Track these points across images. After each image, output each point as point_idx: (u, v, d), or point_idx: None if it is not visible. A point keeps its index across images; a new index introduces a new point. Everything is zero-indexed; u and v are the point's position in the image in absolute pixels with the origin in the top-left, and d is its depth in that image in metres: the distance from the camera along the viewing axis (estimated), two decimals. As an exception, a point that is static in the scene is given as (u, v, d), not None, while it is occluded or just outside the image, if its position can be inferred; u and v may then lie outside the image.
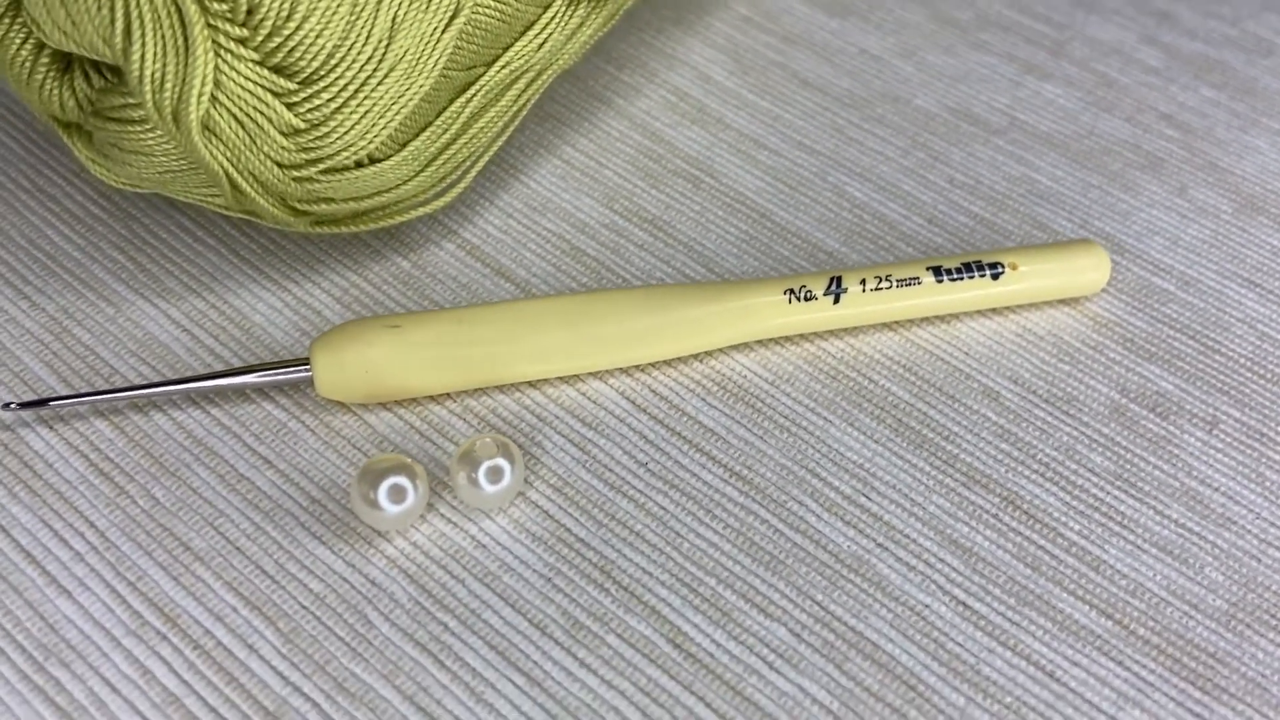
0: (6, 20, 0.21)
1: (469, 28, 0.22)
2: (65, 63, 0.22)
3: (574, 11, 0.23)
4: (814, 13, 0.33)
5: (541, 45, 0.23)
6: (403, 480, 0.21)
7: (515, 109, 0.24)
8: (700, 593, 0.21)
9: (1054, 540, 0.22)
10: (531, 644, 0.20)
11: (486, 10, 0.22)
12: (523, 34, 0.23)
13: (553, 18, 0.23)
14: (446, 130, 0.23)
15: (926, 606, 0.21)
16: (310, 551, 0.21)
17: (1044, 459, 0.24)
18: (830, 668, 0.20)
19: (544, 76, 0.24)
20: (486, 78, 0.23)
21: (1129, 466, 0.23)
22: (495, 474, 0.21)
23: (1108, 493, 0.23)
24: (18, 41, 0.21)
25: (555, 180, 0.28)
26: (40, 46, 0.21)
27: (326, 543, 0.21)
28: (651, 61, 0.31)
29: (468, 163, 0.24)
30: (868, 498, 0.23)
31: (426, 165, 0.23)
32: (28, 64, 0.21)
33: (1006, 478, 0.23)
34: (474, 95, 0.23)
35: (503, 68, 0.23)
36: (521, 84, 0.24)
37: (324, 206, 0.23)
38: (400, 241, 0.27)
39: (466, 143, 0.24)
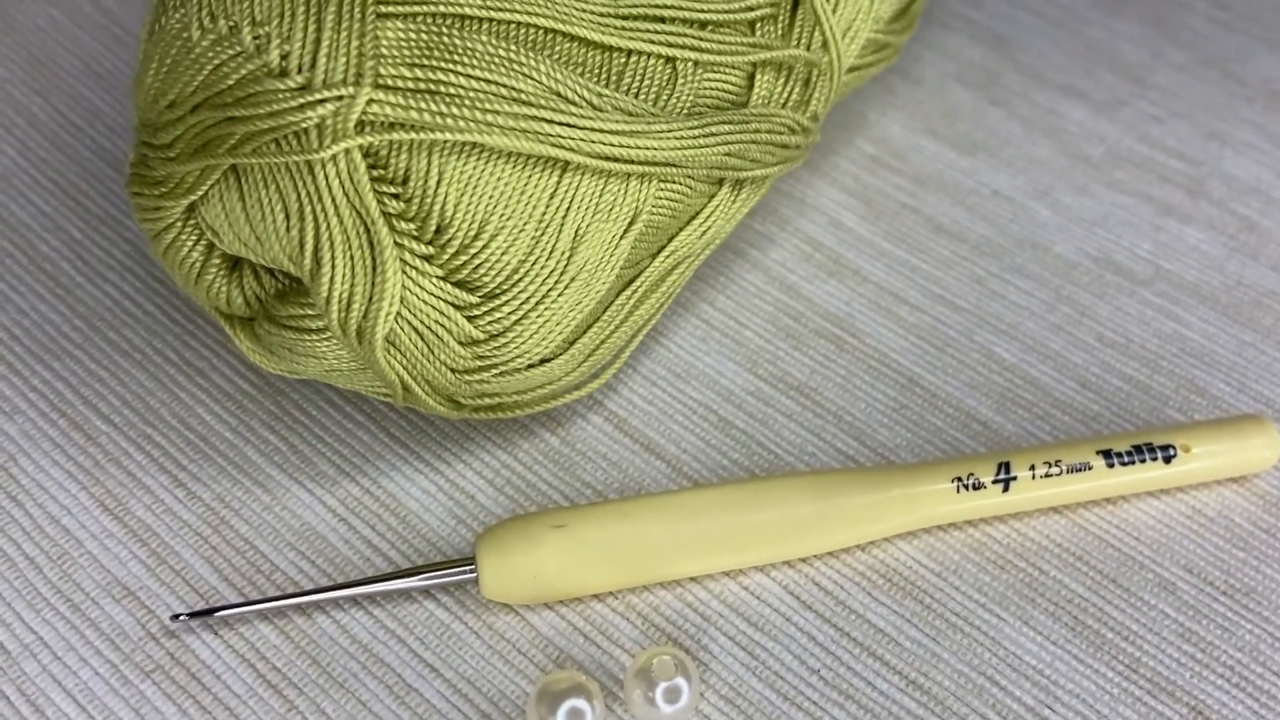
0: (178, 225, 0.21)
1: (642, 227, 0.21)
2: (235, 261, 0.22)
3: (738, 195, 0.23)
4: (942, 150, 0.33)
5: (705, 233, 0.23)
6: (580, 703, 0.20)
7: (672, 291, 0.24)
8: (888, 820, 0.20)
9: (1249, 757, 0.21)
10: None
11: (660, 209, 0.21)
12: (688, 223, 0.23)
13: (717, 205, 0.23)
14: (612, 323, 0.22)
15: (1125, 837, 0.20)
16: (486, 774, 0.21)
17: (1228, 661, 0.23)
18: None
19: (701, 257, 0.24)
20: (651, 268, 0.23)
21: (1318, 669, 0.22)
22: (673, 694, 0.20)
23: (1299, 700, 0.22)
24: (189, 244, 0.21)
25: (696, 342, 0.28)
26: (211, 248, 0.21)
27: (502, 764, 0.21)
28: (781, 207, 0.31)
29: (624, 347, 0.24)
30: (1051, 709, 0.22)
31: (589, 356, 0.23)
32: (197, 265, 0.21)
33: (1192, 684, 0.22)
34: (639, 287, 0.22)
35: (667, 257, 0.23)
36: (681, 267, 0.23)
37: (487, 400, 0.22)
38: (548, 415, 0.26)
39: (626, 329, 0.23)
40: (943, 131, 0.33)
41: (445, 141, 0.19)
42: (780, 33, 0.23)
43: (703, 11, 0.21)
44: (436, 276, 0.20)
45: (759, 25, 0.22)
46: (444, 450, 0.25)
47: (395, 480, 0.25)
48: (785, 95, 0.23)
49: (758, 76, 0.22)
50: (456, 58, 0.19)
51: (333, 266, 0.19)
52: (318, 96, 0.18)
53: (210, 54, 0.19)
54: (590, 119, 0.20)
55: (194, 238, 0.21)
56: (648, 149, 0.20)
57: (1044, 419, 0.27)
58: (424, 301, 0.20)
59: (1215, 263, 0.30)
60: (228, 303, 0.22)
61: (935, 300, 0.29)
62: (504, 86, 0.19)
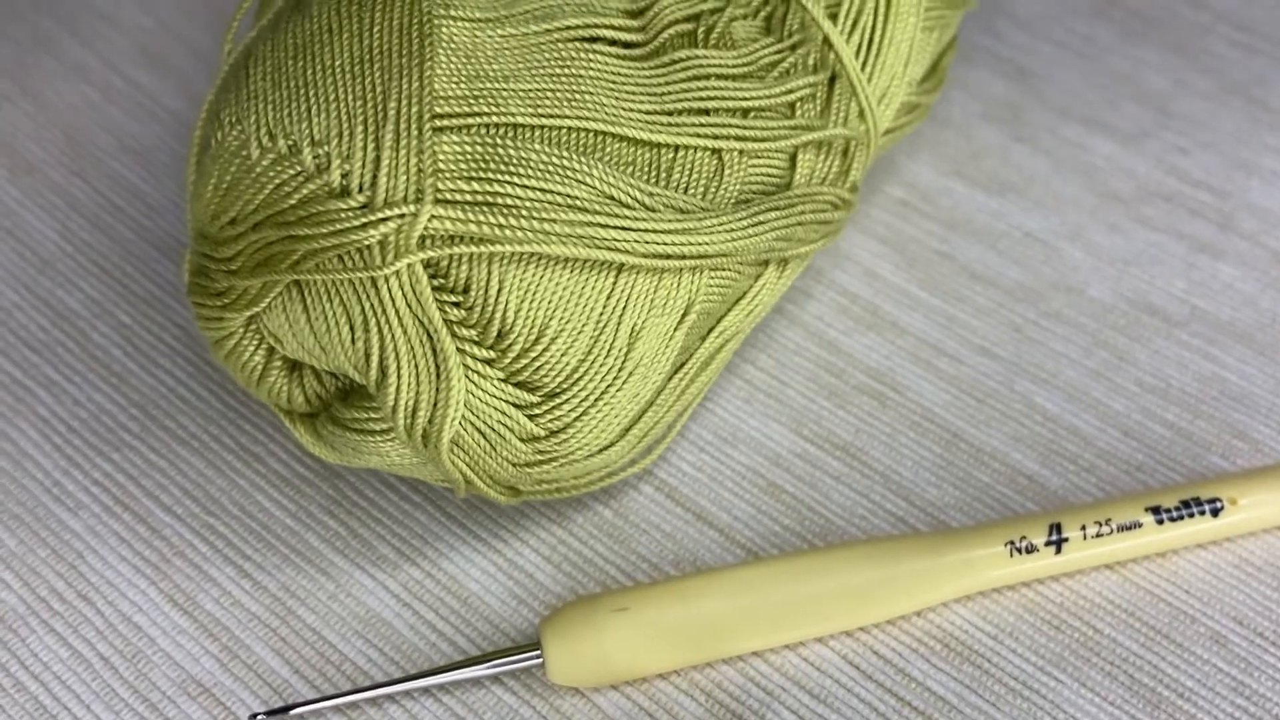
0: (240, 332, 0.21)
1: (695, 316, 0.22)
2: (296, 362, 0.22)
3: (783, 272, 0.23)
4: (972, 192, 0.33)
5: (752, 312, 0.23)
6: (655, 788, 0.21)
7: (719, 368, 0.24)
8: None
9: (1310, 814, 0.22)
10: None
11: (711, 296, 0.22)
12: (736, 304, 0.23)
13: (764, 285, 0.23)
14: (665, 406, 0.23)
15: None
16: None
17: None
18: None
19: (747, 332, 0.24)
20: (701, 349, 0.23)
21: (1373, 720, 0.23)
22: (745, 775, 0.21)
23: (1356, 754, 0.22)
24: (251, 349, 0.21)
25: (740, 404, 0.28)
26: (273, 351, 0.22)
27: None
28: (817, 259, 0.31)
29: (674, 423, 0.24)
30: (1113, 772, 0.22)
31: (644, 438, 0.23)
32: (259, 368, 0.22)
33: (1250, 741, 0.23)
34: (690, 369, 0.23)
35: (716, 337, 0.23)
36: (730, 345, 0.24)
37: (545, 487, 0.23)
38: (600, 489, 0.26)
39: (677, 408, 0.24)
40: (971, 172, 0.33)
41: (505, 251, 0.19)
42: (819, 110, 0.23)
43: (745, 100, 0.22)
44: (498, 379, 0.20)
45: (798, 106, 0.23)
46: (500, 528, 0.26)
47: (455, 561, 0.25)
48: (826, 171, 0.23)
49: (799, 156, 0.23)
50: (512, 168, 0.19)
51: (399, 376, 0.19)
52: (380, 216, 0.19)
53: (271, 173, 0.19)
54: (644, 220, 0.20)
55: (255, 342, 0.21)
56: (701, 244, 0.20)
57: (1089, 471, 0.27)
58: (486, 403, 0.20)
59: (1249, 299, 0.30)
60: (288, 400, 0.22)
61: (974, 350, 0.29)
62: (559, 194, 0.19)
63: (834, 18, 0.24)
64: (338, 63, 0.19)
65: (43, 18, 0.35)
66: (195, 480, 0.26)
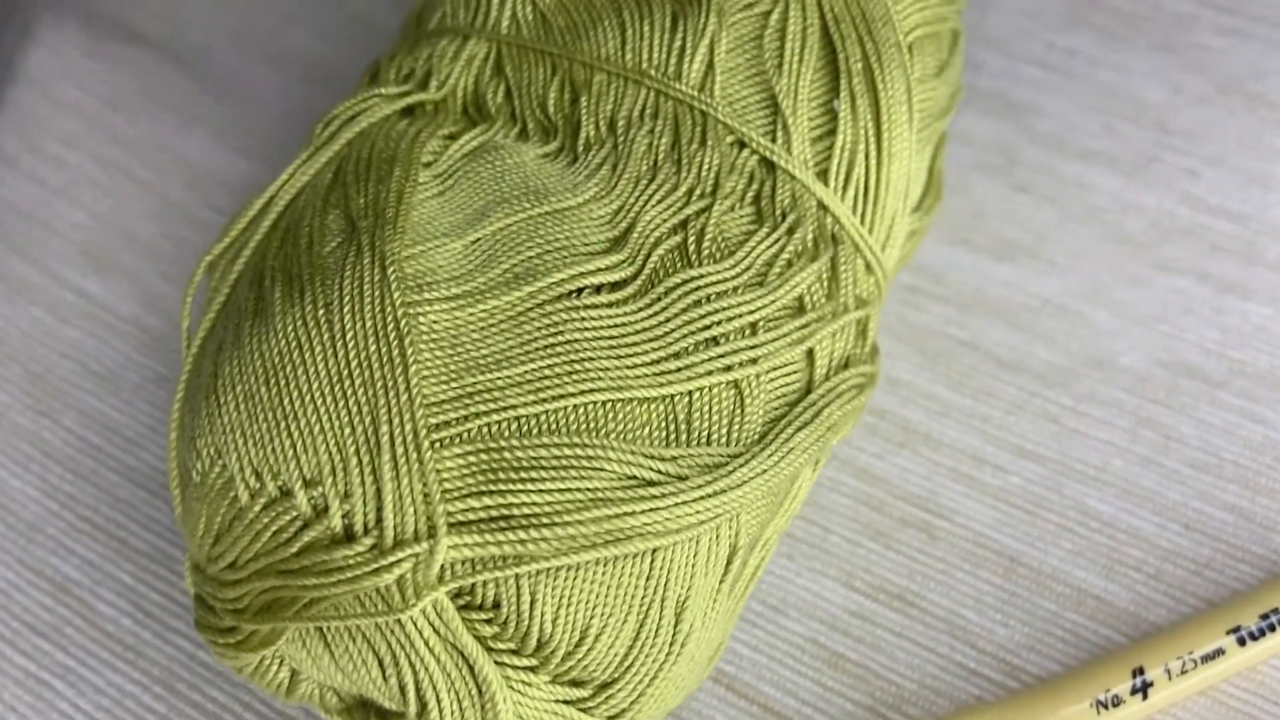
0: (258, 659, 0.20)
1: (739, 560, 0.20)
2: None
3: (816, 466, 0.22)
4: (979, 260, 0.31)
5: (790, 512, 0.22)
6: None
7: (765, 567, 0.23)
8: None
9: None
10: None
11: (751, 529, 0.20)
12: (775, 513, 0.22)
13: (800, 486, 0.21)
14: (718, 627, 0.21)
15: None
16: None
17: (1402, 832, 0.22)
18: None
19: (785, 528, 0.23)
20: (746, 569, 0.21)
21: None
22: None
23: None
24: (275, 669, 0.20)
25: (784, 561, 0.27)
26: (297, 671, 0.20)
27: None
28: (832, 370, 0.30)
29: (727, 632, 0.23)
30: None
31: (702, 669, 0.22)
32: (286, 683, 0.20)
33: None
34: (737, 589, 0.21)
35: (760, 549, 0.21)
36: (771, 547, 0.22)
37: (608, 735, 0.22)
38: (653, 683, 0.25)
39: (730, 621, 0.22)
40: (975, 237, 0.31)
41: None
42: (826, 291, 0.21)
43: (752, 313, 0.20)
44: (545, 681, 0.19)
45: (806, 297, 0.21)
46: (563, 758, 0.24)
47: (523, 807, 0.24)
48: (845, 346, 0.22)
49: (816, 349, 0.21)
50: (523, 473, 0.18)
51: (439, 707, 0.18)
52: (393, 559, 0.17)
53: (264, 519, 0.18)
54: (674, 494, 0.18)
55: (278, 664, 0.20)
56: (736, 498, 0.19)
57: (1156, 578, 0.26)
58: (536, 707, 0.19)
59: (1286, 342, 0.29)
60: (322, 703, 0.21)
61: (1015, 453, 0.28)
62: (578, 491, 0.18)
63: (824, 175, 0.22)
64: (315, 385, 0.18)
65: (-28, 232, 0.33)
66: (237, 760, 0.25)
